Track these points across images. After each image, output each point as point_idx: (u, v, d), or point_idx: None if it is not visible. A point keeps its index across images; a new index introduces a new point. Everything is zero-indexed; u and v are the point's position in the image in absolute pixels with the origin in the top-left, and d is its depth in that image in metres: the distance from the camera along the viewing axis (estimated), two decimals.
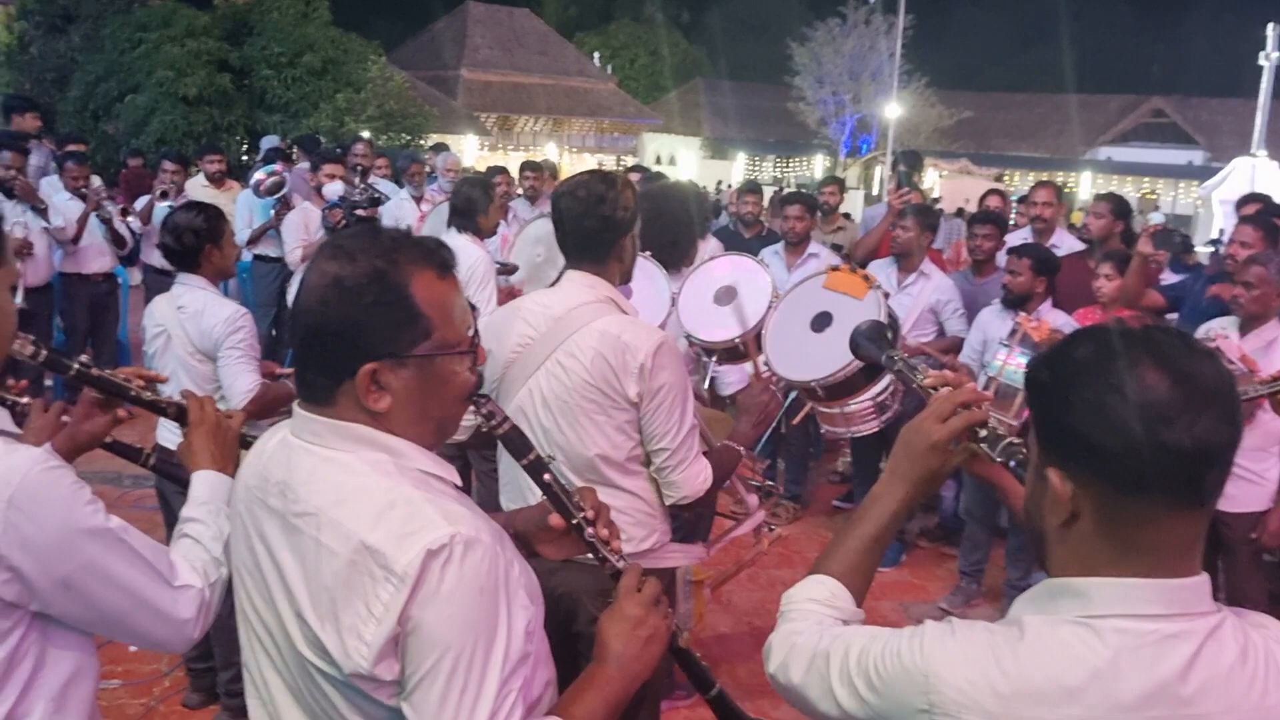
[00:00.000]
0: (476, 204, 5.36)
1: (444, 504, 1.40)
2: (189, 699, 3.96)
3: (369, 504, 1.38)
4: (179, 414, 2.02)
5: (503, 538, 1.48)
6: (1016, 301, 4.93)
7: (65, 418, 2.03)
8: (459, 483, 1.53)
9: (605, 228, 2.62)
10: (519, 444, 1.62)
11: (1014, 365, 4.45)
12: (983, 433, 1.53)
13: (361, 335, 1.41)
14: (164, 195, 7.39)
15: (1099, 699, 1.18)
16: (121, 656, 4.06)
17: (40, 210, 6.86)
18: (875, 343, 1.84)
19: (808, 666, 1.41)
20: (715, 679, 1.71)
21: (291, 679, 1.47)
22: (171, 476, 2.18)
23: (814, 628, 1.45)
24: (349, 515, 1.37)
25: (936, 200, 7.21)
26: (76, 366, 1.93)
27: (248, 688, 1.60)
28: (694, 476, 2.64)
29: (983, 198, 7.00)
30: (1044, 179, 6.59)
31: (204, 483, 1.93)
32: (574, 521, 1.62)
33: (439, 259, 1.48)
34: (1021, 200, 7.18)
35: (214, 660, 3.84)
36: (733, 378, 4.51)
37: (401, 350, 1.43)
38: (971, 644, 1.26)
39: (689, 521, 4.00)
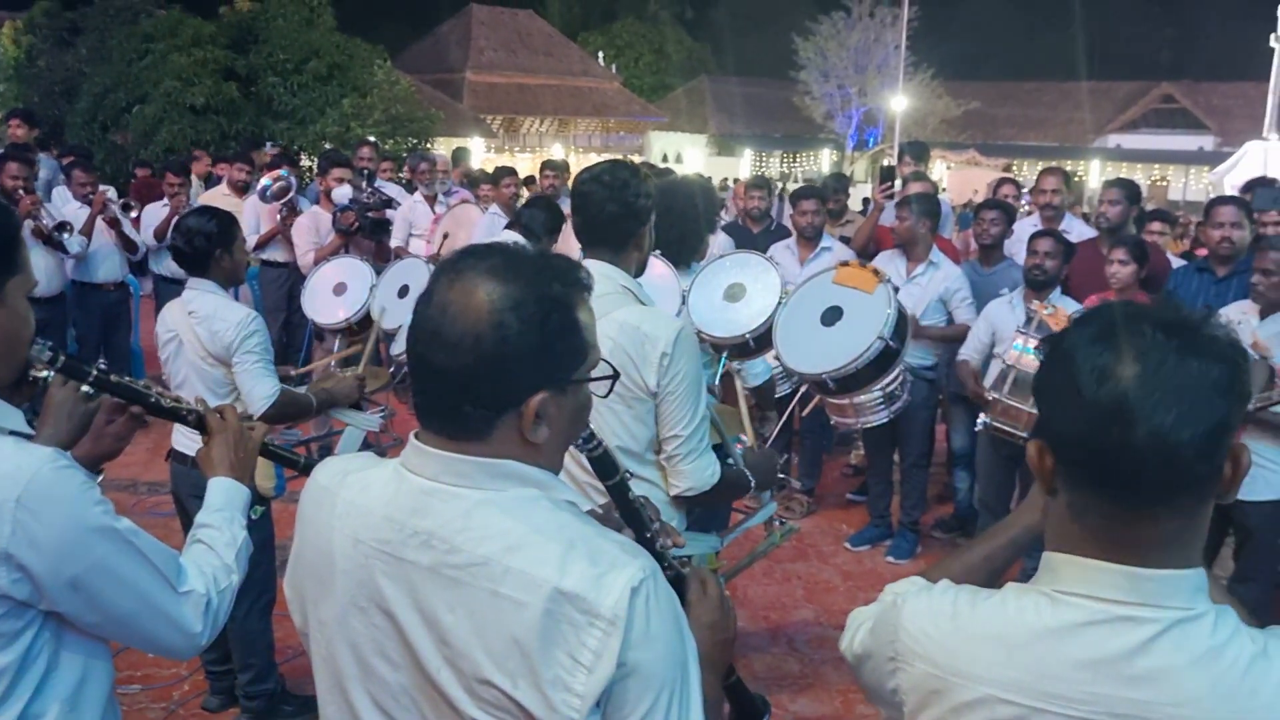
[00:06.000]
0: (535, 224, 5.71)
1: (610, 535, 1.34)
2: (208, 702, 3.98)
3: (547, 547, 1.27)
4: (199, 422, 2.02)
5: None
6: (1043, 284, 4.92)
7: (85, 387, 1.92)
8: (593, 508, 1.52)
9: (627, 214, 2.61)
10: (609, 465, 1.62)
11: (1030, 354, 4.45)
12: None
13: (543, 362, 1.32)
14: (176, 210, 7.32)
15: (1037, 664, 1.20)
16: (141, 661, 4.08)
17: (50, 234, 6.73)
18: None
19: (853, 633, 1.49)
20: (734, 668, 1.75)
21: None
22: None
23: (878, 608, 1.48)
24: (529, 561, 1.26)
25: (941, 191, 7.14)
26: (95, 373, 1.90)
27: None
28: (703, 468, 2.62)
29: (996, 186, 6.97)
30: (1051, 166, 6.58)
31: (220, 490, 1.94)
32: (648, 535, 1.62)
33: (589, 280, 1.42)
34: (1031, 191, 7.20)
35: (232, 663, 3.86)
36: (759, 369, 4.53)
37: (568, 376, 1.36)
38: (940, 600, 1.33)
39: (701, 514, 4.01)
